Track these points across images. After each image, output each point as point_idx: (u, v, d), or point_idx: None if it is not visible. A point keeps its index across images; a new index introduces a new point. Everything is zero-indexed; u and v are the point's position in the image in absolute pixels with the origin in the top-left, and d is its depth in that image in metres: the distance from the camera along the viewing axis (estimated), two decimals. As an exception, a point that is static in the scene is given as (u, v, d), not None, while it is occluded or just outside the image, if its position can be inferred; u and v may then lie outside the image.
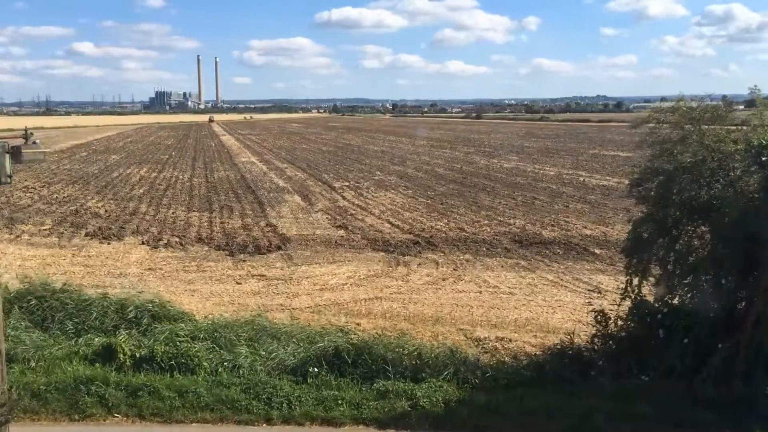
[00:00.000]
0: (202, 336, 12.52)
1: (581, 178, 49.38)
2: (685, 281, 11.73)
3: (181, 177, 51.80)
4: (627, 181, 14.21)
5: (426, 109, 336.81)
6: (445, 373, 11.40)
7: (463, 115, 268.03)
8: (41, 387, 10.70)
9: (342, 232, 28.84)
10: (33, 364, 11.55)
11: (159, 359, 11.52)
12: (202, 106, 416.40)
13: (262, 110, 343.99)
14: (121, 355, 11.63)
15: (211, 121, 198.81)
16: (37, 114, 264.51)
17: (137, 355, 11.68)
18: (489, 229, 29.10)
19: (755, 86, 12.01)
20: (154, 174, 53.84)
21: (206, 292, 19.12)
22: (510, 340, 14.91)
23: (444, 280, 20.81)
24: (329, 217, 32.97)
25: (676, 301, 11.83)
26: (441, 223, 30.60)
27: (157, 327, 12.92)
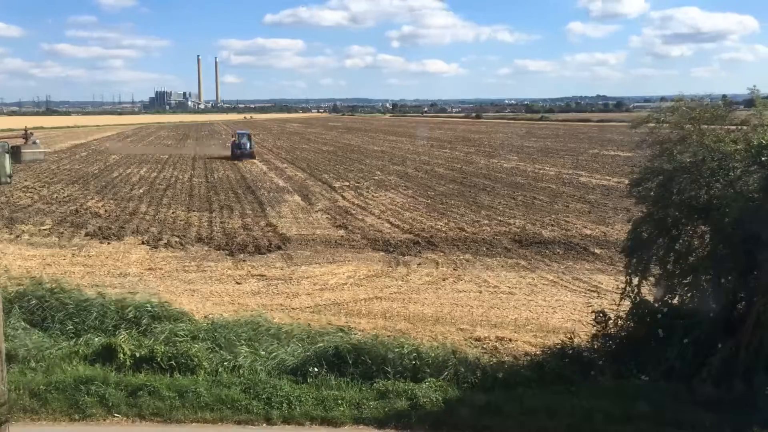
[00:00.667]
0: (201, 336, 12.52)
1: (581, 178, 49.41)
2: (685, 281, 11.73)
3: (181, 177, 51.81)
4: (627, 181, 14.22)
5: (426, 109, 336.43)
6: (445, 372, 11.38)
7: (463, 114, 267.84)
8: (41, 387, 10.69)
9: (342, 231, 28.85)
10: (33, 364, 11.54)
11: (159, 359, 11.51)
12: (202, 106, 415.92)
13: (262, 110, 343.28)
14: (121, 355, 11.62)
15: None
16: (37, 114, 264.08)
17: (137, 355, 11.67)
18: (489, 229, 29.10)
19: (754, 86, 12.04)
20: (154, 174, 53.86)
21: (206, 292, 19.13)
22: (510, 340, 14.93)
23: (444, 279, 20.82)
24: (329, 216, 32.99)
25: (675, 301, 11.83)
26: (441, 223, 30.61)
27: (156, 327, 12.93)
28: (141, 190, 43.19)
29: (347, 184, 46.66)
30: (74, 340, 12.65)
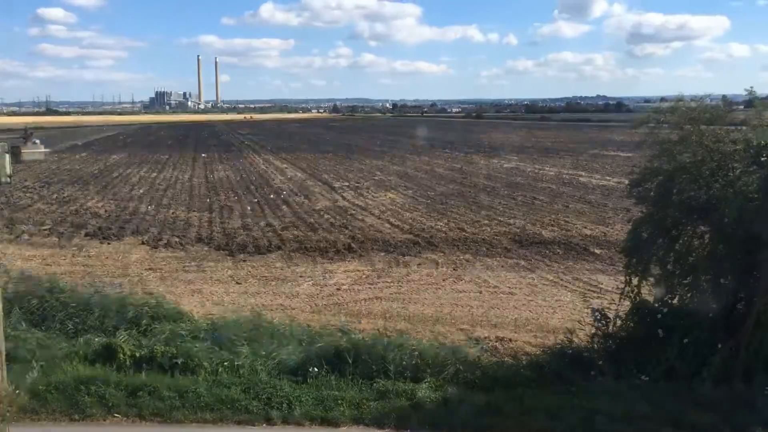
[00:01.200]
0: (202, 336, 12.51)
1: (581, 178, 49.40)
2: (685, 281, 11.73)
3: (181, 177, 51.81)
4: (627, 181, 14.22)
5: (426, 109, 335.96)
6: (445, 372, 11.39)
7: (463, 114, 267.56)
8: (41, 387, 10.68)
9: (342, 232, 28.82)
10: (33, 364, 11.54)
11: (159, 359, 11.50)
12: (202, 106, 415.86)
13: (262, 110, 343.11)
14: (121, 355, 11.61)
15: None
16: (37, 114, 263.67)
17: (137, 355, 11.66)
18: (489, 229, 29.09)
19: (751, 87, 12.07)
20: (154, 174, 53.85)
21: (206, 292, 19.14)
22: (510, 340, 14.93)
23: (444, 280, 20.82)
24: (329, 216, 32.96)
25: (675, 301, 11.82)
26: (441, 223, 30.60)
27: (157, 327, 12.92)
28: (141, 191, 43.20)
29: (347, 184, 46.66)
30: (74, 340, 12.64)
